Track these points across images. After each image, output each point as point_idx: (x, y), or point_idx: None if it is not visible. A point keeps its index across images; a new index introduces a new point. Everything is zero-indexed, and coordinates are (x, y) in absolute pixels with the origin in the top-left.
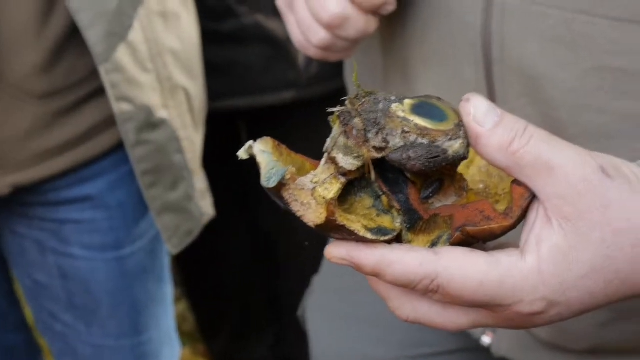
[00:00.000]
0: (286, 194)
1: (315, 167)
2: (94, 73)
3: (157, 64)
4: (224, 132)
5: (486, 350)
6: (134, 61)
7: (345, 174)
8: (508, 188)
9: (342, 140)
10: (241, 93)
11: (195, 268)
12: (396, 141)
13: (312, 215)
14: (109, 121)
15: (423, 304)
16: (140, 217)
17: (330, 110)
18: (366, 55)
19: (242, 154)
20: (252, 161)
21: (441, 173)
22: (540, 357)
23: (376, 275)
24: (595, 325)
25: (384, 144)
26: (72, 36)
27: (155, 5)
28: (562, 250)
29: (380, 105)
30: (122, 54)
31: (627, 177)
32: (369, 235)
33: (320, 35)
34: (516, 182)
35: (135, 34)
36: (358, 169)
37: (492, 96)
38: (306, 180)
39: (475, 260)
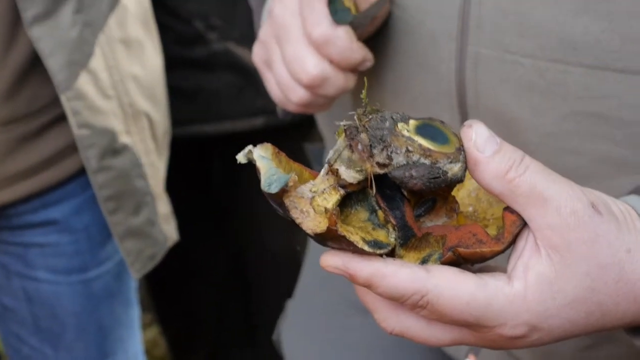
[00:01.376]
0: (287, 201)
1: (313, 177)
2: (57, 99)
3: (119, 91)
4: (196, 156)
5: None
6: (95, 88)
7: (344, 186)
8: (497, 214)
9: (346, 153)
10: (210, 119)
11: (167, 291)
12: (399, 159)
13: (311, 223)
14: (73, 146)
15: (409, 318)
16: (106, 240)
17: (337, 123)
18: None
19: (240, 158)
20: (228, 180)
21: (435, 193)
22: None
23: (368, 286)
24: (580, 348)
25: (387, 161)
26: (35, 63)
27: (116, 32)
28: (548, 279)
29: (387, 123)
30: (83, 82)
31: (615, 215)
32: (366, 248)
33: (300, 95)
34: (508, 209)
35: (97, 62)
36: (358, 182)
37: None
38: (305, 189)
39: (464, 281)
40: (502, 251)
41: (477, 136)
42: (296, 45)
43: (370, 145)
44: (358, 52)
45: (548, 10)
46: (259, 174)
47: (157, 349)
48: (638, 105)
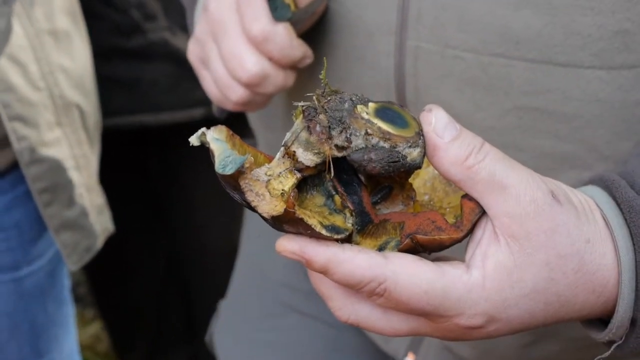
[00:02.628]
0: (242, 183)
1: (268, 161)
2: None
3: (49, 82)
4: (134, 147)
5: None
6: (24, 80)
7: (301, 169)
8: (453, 202)
9: (304, 135)
10: (148, 110)
11: (108, 286)
12: (358, 142)
13: (267, 206)
14: (2, 142)
15: (365, 307)
16: (38, 237)
17: (295, 103)
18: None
19: (193, 140)
20: (166, 174)
21: (392, 180)
22: None
23: (325, 272)
24: (519, 346)
25: (346, 143)
26: None
27: (44, 24)
28: (506, 268)
29: (346, 105)
30: (12, 74)
31: (574, 205)
32: (324, 232)
33: (239, 93)
34: (467, 196)
35: (26, 54)
36: (315, 165)
37: None
38: (260, 172)
39: (422, 269)
40: (461, 239)
41: (437, 121)
42: (234, 43)
43: (329, 127)
44: (298, 49)
45: (488, 4)
46: (213, 156)
47: (100, 345)
48: (581, 99)
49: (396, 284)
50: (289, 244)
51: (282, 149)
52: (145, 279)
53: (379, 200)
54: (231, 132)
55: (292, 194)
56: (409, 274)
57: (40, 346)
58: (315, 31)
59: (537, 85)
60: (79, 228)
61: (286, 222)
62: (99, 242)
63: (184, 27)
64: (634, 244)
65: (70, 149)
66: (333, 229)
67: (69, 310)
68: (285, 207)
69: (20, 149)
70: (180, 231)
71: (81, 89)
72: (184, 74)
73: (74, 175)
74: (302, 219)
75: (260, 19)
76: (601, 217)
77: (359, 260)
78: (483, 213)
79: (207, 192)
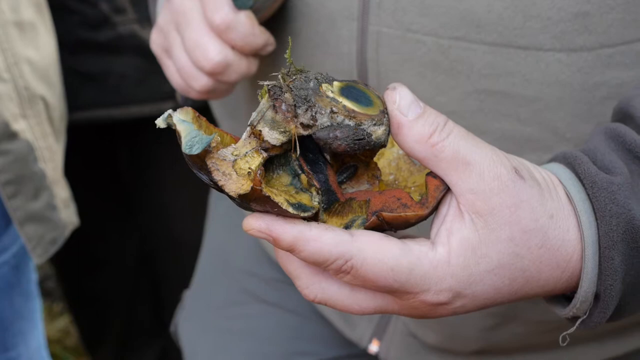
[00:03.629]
0: (209, 163)
1: (235, 141)
2: None
3: (14, 74)
4: (103, 141)
5: (374, 357)
6: None
7: (267, 149)
8: (418, 182)
9: (270, 114)
10: (117, 103)
11: (77, 279)
12: (324, 120)
13: (234, 185)
14: None
15: (332, 284)
16: (3, 230)
17: (261, 82)
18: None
19: (160, 122)
20: (136, 167)
21: (357, 159)
22: None
23: (292, 250)
24: (483, 329)
25: (311, 122)
26: None
27: (9, 15)
28: (471, 244)
29: (311, 84)
30: None
31: (538, 181)
32: (290, 210)
33: (202, 82)
34: (431, 174)
35: None
36: (281, 145)
37: None
38: (227, 152)
39: (388, 246)
40: (427, 216)
41: (401, 99)
42: (197, 32)
43: (295, 105)
44: (260, 37)
45: None
46: (180, 138)
47: (68, 339)
48: (542, 82)
49: (363, 261)
50: (256, 222)
51: (248, 128)
52: (114, 272)
53: (344, 180)
54: (197, 114)
55: (258, 172)
56: (375, 251)
57: (7, 341)
58: (277, 18)
59: (497, 68)
60: (44, 221)
61: (253, 201)
62: (64, 235)
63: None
64: (596, 219)
65: (35, 141)
66: (300, 207)
67: (36, 305)
68: (252, 185)
69: None
70: (149, 224)
71: (46, 81)
72: (153, 68)
73: (39, 167)
74: (268, 197)
75: (222, 8)
76: (564, 193)
77: (326, 238)
78: (448, 190)
79: (176, 184)
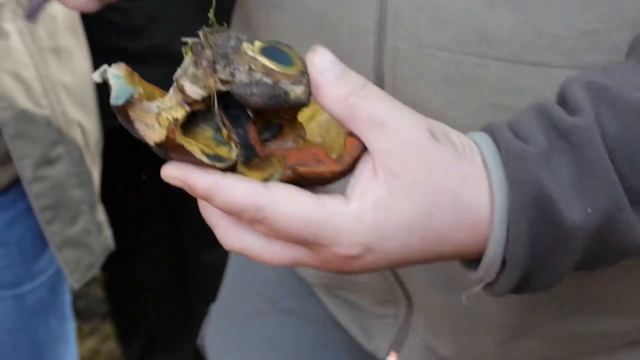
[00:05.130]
0: (132, 113)
1: (164, 96)
2: None
3: (51, 100)
4: (132, 155)
5: None
6: (27, 98)
7: (190, 103)
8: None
9: (191, 69)
10: None
11: (115, 266)
12: (242, 77)
13: (153, 135)
14: (4, 159)
15: (248, 235)
16: (39, 253)
17: (184, 39)
18: None
19: (95, 77)
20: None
21: (281, 118)
22: None
23: (206, 199)
24: (497, 343)
25: (230, 78)
26: None
27: (47, 41)
28: (384, 202)
29: (232, 42)
30: (15, 91)
31: (454, 144)
32: (204, 159)
33: None
34: (351, 134)
35: (29, 71)
36: (203, 100)
37: None
38: (152, 106)
39: (302, 198)
40: (341, 172)
41: (320, 60)
42: None
43: (214, 62)
44: None
45: (463, 2)
46: (111, 91)
47: (98, 359)
48: (552, 98)
49: (275, 212)
50: (173, 171)
51: (174, 84)
52: (150, 262)
53: (269, 138)
54: (130, 70)
55: (173, 122)
56: (288, 202)
57: None
58: (293, 29)
59: (509, 83)
60: (82, 245)
61: (170, 150)
62: (101, 260)
63: (186, 31)
64: (508, 185)
65: (72, 166)
66: (215, 157)
67: (70, 326)
68: (166, 134)
69: (22, 166)
70: (187, 220)
71: (82, 106)
72: None
73: (76, 192)
74: (182, 146)
75: None
76: (480, 159)
77: (239, 188)
78: (365, 149)
79: None
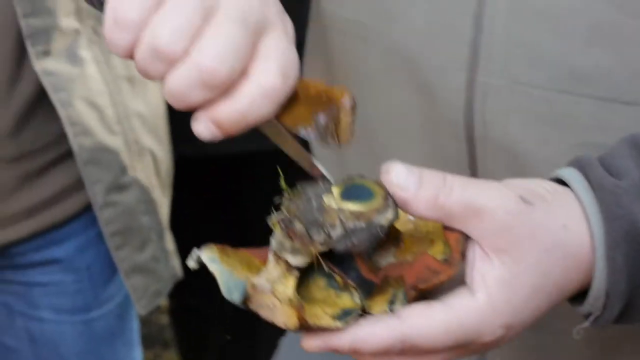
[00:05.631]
0: (252, 306)
1: (261, 259)
2: (62, 136)
3: (125, 127)
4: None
5: None
6: (101, 124)
7: (297, 267)
8: (437, 223)
9: (287, 243)
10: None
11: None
12: (337, 232)
13: (281, 317)
14: (77, 184)
15: None
16: (108, 280)
17: (269, 217)
18: None
19: (191, 264)
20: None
21: None
22: None
23: (354, 354)
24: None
25: (327, 239)
26: (40, 100)
27: (121, 70)
28: (505, 280)
29: (314, 203)
30: (89, 118)
31: (544, 199)
32: (339, 324)
33: None
34: (447, 228)
35: (103, 98)
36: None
37: (474, 172)
38: (262, 281)
39: (433, 313)
40: (457, 272)
41: (397, 178)
42: None
43: (307, 231)
44: None
45: (559, 41)
46: (217, 279)
47: None
48: None
49: (417, 336)
50: (313, 343)
51: (272, 252)
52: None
53: (371, 253)
54: (220, 246)
55: (298, 303)
56: (424, 324)
57: None
58: (376, 63)
59: (602, 122)
60: (150, 272)
61: (305, 329)
62: (168, 287)
63: None
64: (603, 221)
65: (142, 193)
66: (345, 314)
67: (137, 353)
68: (298, 321)
69: (94, 192)
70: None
71: (155, 135)
72: None
73: (146, 219)
74: (316, 325)
75: None
76: (574, 198)
77: (379, 332)
78: (467, 238)
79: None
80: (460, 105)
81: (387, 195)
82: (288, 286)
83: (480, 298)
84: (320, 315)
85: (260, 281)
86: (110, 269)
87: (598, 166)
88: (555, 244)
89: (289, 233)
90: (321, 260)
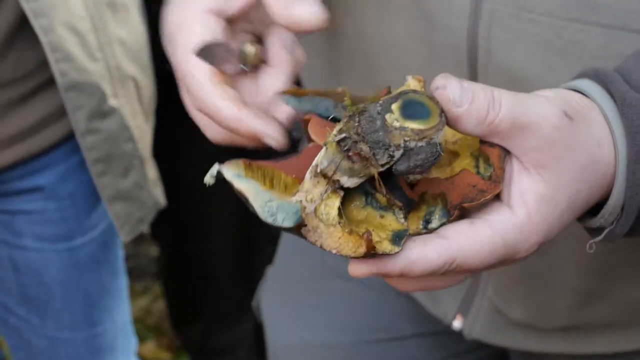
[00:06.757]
0: (303, 231)
1: (285, 173)
2: (43, 64)
3: (106, 53)
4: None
5: (456, 333)
6: (82, 50)
7: (342, 186)
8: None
9: (345, 164)
10: None
11: (176, 246)
12: (399, 152)
13: (331, 241)
14: (59, 112)
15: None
16: (91, 208)
17: (325, 142)
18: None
19: (208, 180)
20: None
21: None
22: (514, 336)
23: (403, 276)
24: (568, 307)
25: (390, 160)
26: (21, 27)
27: None
28: (545, 197)
29: (378, 123)
30: (71, 44)
31: (581, 114)
32: (396, 249)
33: None
34: (487, 143)
35: (84, 24)
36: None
37: None
38: (305, 203)
39: (479, 232)
40: (501, 189)
41: (453, 94)
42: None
43: (373, 153)
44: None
45: None
46: (244, 198)
47: (149, 317)
48: None
49: (465, 257)
50: (364, 268)
51: (311, 169)
52: (211, 245)
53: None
54: (248, 162)
55: (366, 234)
56: (471, 243)
57: (94, 316)
58: None
59: (610, 50)
60: (133, 199)
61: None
62: (152, 215)
63: None
64: (626, 135)
65: (125, 120)
66: (398, 237)
67: (123, 282)
68: (365, 248)
69: (76, 119)
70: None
71: (137, 62)
72: None
73: (129, 146)
74: (381, 253)
75: None
76: (600, 114)
77: (428, 253)
78: (507, 154)
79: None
80: (464, 32)
81: (442, 113)
82: (333, 207)
83: (520, 214)
84: (377, 238)
85: (304, 203)
86: (94, 197)
87: (620, 80)
88: (590, 161)
89: (351, 154)
90: (382, 185)
